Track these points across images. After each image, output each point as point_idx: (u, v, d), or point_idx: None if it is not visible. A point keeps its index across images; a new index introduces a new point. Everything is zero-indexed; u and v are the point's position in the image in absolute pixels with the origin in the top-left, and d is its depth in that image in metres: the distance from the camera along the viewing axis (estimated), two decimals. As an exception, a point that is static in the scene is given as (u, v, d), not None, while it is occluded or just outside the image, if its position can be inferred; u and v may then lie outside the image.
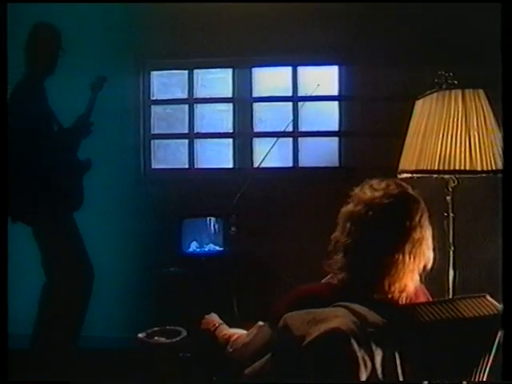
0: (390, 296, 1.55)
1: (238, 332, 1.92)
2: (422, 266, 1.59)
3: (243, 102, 3.85)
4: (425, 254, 1.59)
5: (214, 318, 2.11)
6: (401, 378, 1.42)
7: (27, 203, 3.07)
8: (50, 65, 3.19)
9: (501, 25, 1.67)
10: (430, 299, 1.70)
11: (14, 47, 3.03)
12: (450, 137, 2.41)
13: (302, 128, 3.81)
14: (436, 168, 2.40)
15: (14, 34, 2.28)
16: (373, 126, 3.56)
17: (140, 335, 2.72)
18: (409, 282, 1.57)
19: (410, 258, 1.55)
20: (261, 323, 1.77)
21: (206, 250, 3.49)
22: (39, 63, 3.18)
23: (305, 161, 3.81)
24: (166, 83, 3.95)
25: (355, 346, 1.37)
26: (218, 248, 3.48)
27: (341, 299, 1.50)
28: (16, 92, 3.06)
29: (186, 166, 3.92)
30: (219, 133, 3.91)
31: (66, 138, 3.25)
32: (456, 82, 2.52)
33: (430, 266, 1.61)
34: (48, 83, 3.20)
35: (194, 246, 3.49)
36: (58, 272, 3.15)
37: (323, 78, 3.71)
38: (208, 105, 3.92)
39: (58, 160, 3.13)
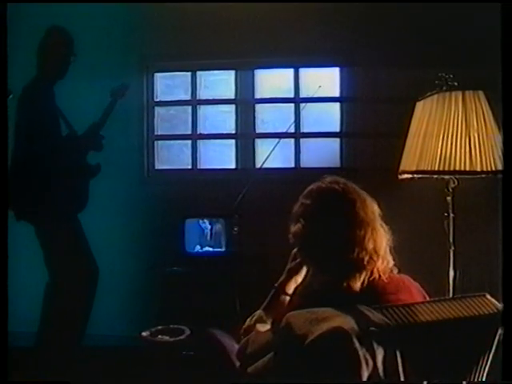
0: (367, 276, 1.62)
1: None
2: (381, 237, 1.66)
3: (246, 103, 3.87)
4: (380, 234, 1.66)
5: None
6: (402, 377, 1.44)
7: (32, 203, 3.09)
8: (61, 70, 3.21)
9: (501, 25, 1.68)
10: (427, 297, 1.72)
11: (28, 49, 3.09)
12: (450, 138, 2.43)
13: (304, 129, 3.83)
14: (436, 169, 2.43)
15: (18, 36, 2.31)
16: (374, 127, 3.57)
17: (144, 334, 2.74)
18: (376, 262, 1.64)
19: (363, 226, 1.63)
20: (261, 312, 1.80)
21: (204, 251, 3.53)
22: (50, 67, 3.19)
23: (306, 161, 3.82)
24: (169, 85, 3.97)
25: (357, 344, 1.39)
26: (214, 250, 3.51)
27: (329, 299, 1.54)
28: (25, 93, 3.08)
29: (189, 167, 3.93)
30: (222, 134, 3.93)
31: (75, 142, 3.27)
32: (456, 83, 2.54)
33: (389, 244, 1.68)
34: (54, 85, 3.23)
35: (197, 248, 3.54)
36: (62, 271, 3.17)
37: (325, 80, 3.72)
38: (211, 106, 3.93)
39: (65, 162, 3.15)
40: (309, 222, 1.67)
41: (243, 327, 1.86)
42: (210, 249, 3.52)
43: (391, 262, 1.68)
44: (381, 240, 1.65)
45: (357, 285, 1.61)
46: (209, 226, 3.54)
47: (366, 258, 1.61)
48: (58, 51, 3.18)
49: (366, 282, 1.62)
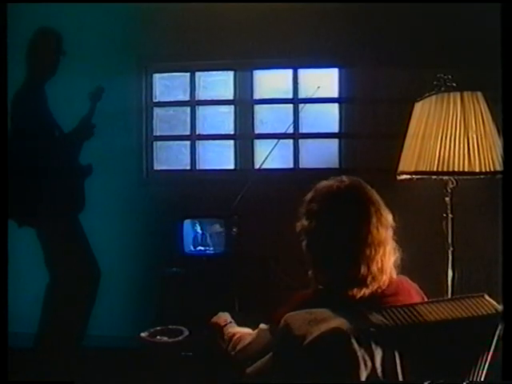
0: (369, 290, 1.59)
1: (242, 331, 1.94)
2: (390, 256, 1.62)
3: (244, 104, 3.87)
4: (389, 253, 1.62)
5: (226, 316, 2.13)
6: (400, 378, 1.44)
7: (29, 206, 3.09)
8: (51, 69, 3.21)
9: (501, 26, 1.68)
10: (425, 298, 1.72)
11: (16, 50, 3.08)
12: (448, 138, 2.43)
13: (303, 130, 3.83)
14: (435, 169, 2.43)
15: (15, 37, 2.31)
16: (372, 127, 3.58)
17: (142, 334, 2.73)
18: (382, 271, 1.60)
19: (374, 246, 1.58)
20: (263, 326, 1.79)
21: (203, 251, 3.53)
22: (40, 68, 3.19)
23: (305, 162, 3.83)
24: (168, 85, 3.96)
25: (355, 345, 1.39)
26: (213, 250, 3.51)
27: (330, 300, 1.54)
28: (18, 96, 3.08)
29: (188, 168, 3.93)
30: (221, 134, 3.92)
31: (67, 141, 3.27)
32: (455, 84, 2.55)
33: (398, 255, 1.64)
34: (51, 86, 3.22)
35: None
36: (63, 272, 3.17)
37: (323, 81, 3.72)
38: (210, 107, 3.93)
39: (59, 164, 3.16)
40: (319, 221, 1.62)
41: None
42: (209, 249, 3.53)
43: (394, 274, 1.65)
44: (388, 259, 1.61)
45: (357, 296, 1.59)
46: (200, 232, 3.55)
47: (369, 279, 1.57)
48: (46, 52, 3.19)
49: (367, 293, 1.60)
